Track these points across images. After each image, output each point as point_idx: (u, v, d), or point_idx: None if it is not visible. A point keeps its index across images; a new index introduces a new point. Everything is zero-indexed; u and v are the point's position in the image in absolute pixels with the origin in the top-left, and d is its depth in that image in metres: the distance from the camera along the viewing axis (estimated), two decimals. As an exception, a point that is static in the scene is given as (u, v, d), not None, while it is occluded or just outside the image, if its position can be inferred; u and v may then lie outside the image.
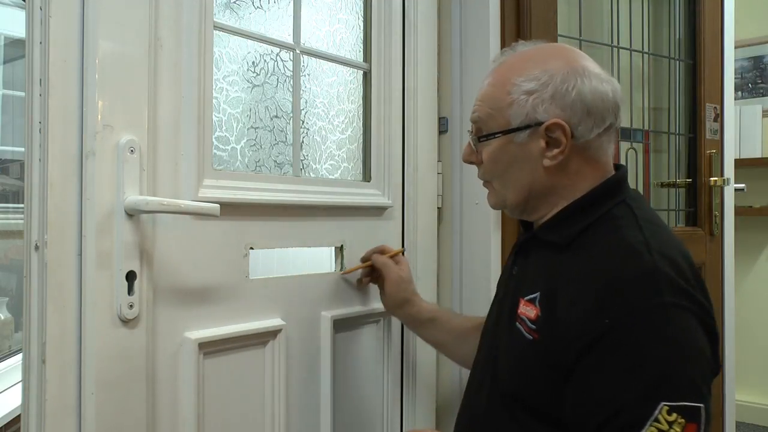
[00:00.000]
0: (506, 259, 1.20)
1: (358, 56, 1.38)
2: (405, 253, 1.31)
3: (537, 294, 0.88)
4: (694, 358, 0.79)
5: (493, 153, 0.95)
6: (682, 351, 0.78)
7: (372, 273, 1.27)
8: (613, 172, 0.96)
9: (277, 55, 1.22)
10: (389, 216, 1.38)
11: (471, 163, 1.01)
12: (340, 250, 1.27)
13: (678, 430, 0.74)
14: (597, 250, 0.86)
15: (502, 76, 0.95)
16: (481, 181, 1.02)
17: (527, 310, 0.89)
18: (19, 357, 1.74)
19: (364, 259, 1.28)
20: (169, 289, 0.96)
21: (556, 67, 0.91)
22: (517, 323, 0.90)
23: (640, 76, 1.84)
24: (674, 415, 0.74)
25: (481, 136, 0.96)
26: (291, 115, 1.23)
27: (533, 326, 0.87)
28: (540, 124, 0.90)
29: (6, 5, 2.21)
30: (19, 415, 1.34)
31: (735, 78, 2.19)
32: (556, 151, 0.91)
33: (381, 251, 1.27)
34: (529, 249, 0.98)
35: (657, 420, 0.74)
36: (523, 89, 0.91)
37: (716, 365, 0.85)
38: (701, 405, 0.76)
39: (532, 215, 0.98)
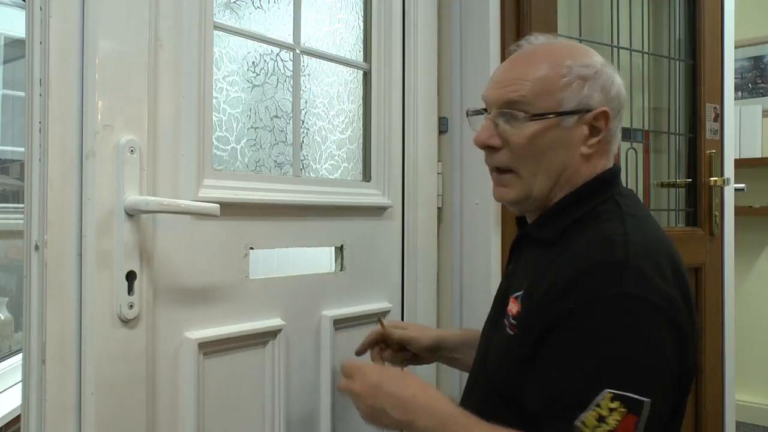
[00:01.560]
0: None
1: (358, 56, 1.38)
2: (382, 319, 1.20)
3: (522, 291, 0.89)
4: (648, 352, 0.78)
5: (533, 135, 0.90)
6: (635, 342, 0.78)
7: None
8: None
9: (277, 55, 1.22)
10: (389, 216, 1.38)
11: (488, 147, 0.93)
12: (340, 250, 1.27)
13: (618, 418, 0.74)
14: (575, 243, 0.86)
15: (548, 58, 0.91)
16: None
17: (512, 307, 0.90)
18: (19, 357, 1.74)
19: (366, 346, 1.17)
20: (169, 289, 0.96)
21: (599, 58, 0.94)
22: (504, 319, 0.91)
23: (640, 76, 1.84)
24: (616, 403, 0.75)
25: (534, 114, 0.89)
26: (291, 115, 1.23)
27: (514, 322, 0.88)
28: (590, 110, 0.90)
29: (6, 5, 2.21)
30: (19, 415, 1.34)
31: (735, 78, 2.18)
32: (595, 140, 0.91)
33: (373, 342, 1.17)
34: (522, 247, 0.99)
35: (599, 405, 0.75)
36: (578, 73, 0.90)
37: (690, 366, 0.84)
38: (647, 400, 0.75)
39: (547, 207, 0.95)
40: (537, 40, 0.97)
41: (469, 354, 1.15)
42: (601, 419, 0.74)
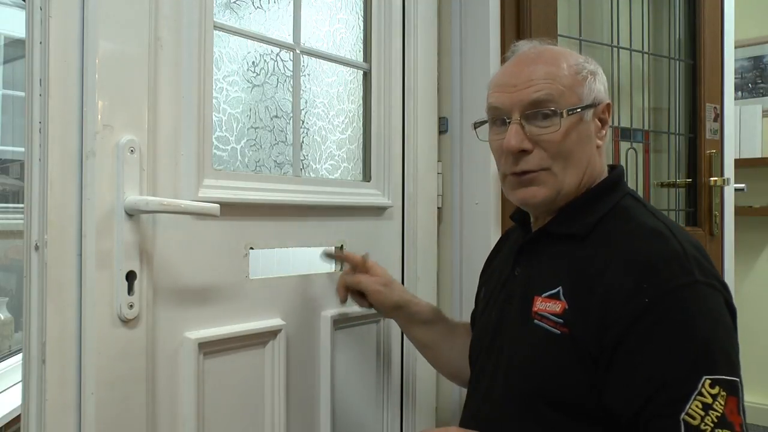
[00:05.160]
0: (491, 263, 1.18)
1: (358, 56, 1.38)
2: (368, 256, 1.21)
3: (559, 288, 0.88)
4: (727, 334, 0.81)
5: (566, 131, 0.91)
6: (716, 327, 0.80)
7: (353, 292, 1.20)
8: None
9: (277, 55, 1.22)
10: (389, 216, 1.38)
11: (523, 150, 0.92)
12: (340, 250, 1.27)
13: (722, 403, 0.76)
14: (620, 237, 0.88)
15: (557, 59, 0.94)
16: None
17: (549, 306, 0.88)
18: (19, 357, 1.74)
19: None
20: (169, 289, 0.96)
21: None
22: (536, 321, 0.89)
23: (640, 76, 1.84)
24: (717, 388, 0.76)
25: (569, 110, 0.91)
26: (291, 115, 1.23)
27: (560, 320, 0.86)
28: (599, 104, 0.95)
29: (6, 5, 2.21)
30: (19, 415, 1.34)
31: (735, 78, 2.18)
32: (603, 131, 0.97)
33: (344, 258, 1.22)
34: (537, 248, 0.97)
35: (701, 393, 0.75)
36: (588, 69, 0.95)
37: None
38: (737, 379, 0.78)
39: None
40: (526, 46, 0.99)
41: (423, 332, 1.19)
42: (706, 407, 0.75)
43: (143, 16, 0.91)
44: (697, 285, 0.80)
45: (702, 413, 0.75)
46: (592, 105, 0.94)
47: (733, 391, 0.77)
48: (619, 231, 0.89)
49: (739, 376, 0.79)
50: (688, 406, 0.75)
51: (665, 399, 0.77)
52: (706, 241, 1.88)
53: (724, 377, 0.76)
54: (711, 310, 0.81)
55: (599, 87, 0.95)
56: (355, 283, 1.17)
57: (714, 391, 0.75)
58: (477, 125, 1.03)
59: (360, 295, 1.19)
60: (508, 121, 0.93)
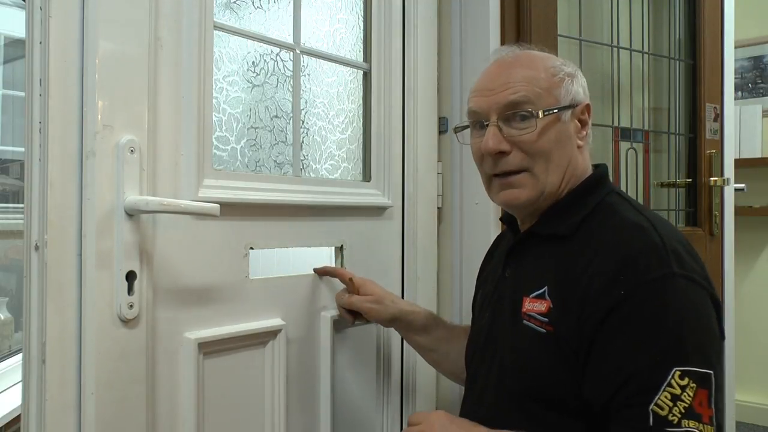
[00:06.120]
0: (486, 267, 1.19)
1: (358, 56, 1.38)
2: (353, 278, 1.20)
3: (544, 288, 0.89)
4: (703, 327, 0.81)
5: (542, 131, 0.92)
6: (691, 319, 0.80)
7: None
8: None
9: (277, 55, 1.22)
10: (389, 216, 1.38)
11: (501, 152, 0.93)
12: (340, 250, 1.27)
13: (690, 394, 0.76)
14: (603, 233, 0.88)
15: (534, 62, 0.96)
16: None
17: (536, 306, 0.89)
18: (19, 357, 1.74)
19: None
20: (169, 289, 0.96)
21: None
22: (525, 321, 0.90)
23: (640, 76, 1.84)
24: (686, 380, 0.76)
25: (545, 111, 0.92)
26: (291, 115, 1.23)
27: (545, 319, 0.87)
28: (578, 105, 0.96)
29: (6, 5, 2.21)
30: (19, 415, 1.34)
31: (735, 78, 2.18)
32: (584, 132, 0.97)
33: (334, 273, 1.22)
34: (525, 250, 0.98)
35: (670, 384, 0.76)
36: (565, 71, 0.96)
37: (722, 334, 0.87)
38: (711, 372, 0.78)
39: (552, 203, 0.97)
40: (505, 51, 1.01)
41: (422, 338, 1.20)
42: (675, 398, 0.76)
43: (143, 16, 0.91)
44: (674, 277, 0.81)
45: (670, 404, 0.75)
46: (570, 106, 0.95)
47: (705, 383, 0.77)
48: (602, 228, 0.90)
49: (713, 368, 0.78)
50: (657, 397, 0.76)
51: (635, 388, 0.78)
52: (706, 241, 1.88)
53: (695, 369, 0.77)
54: (688, 301, 0.81)
55: (577, 89, 0.96)
56: (348, 305, 1.19)
57: (683, 383, 0.76)
58: (458, 129, 1.05)
59: (357, 313, 1.21)
60: (486, 123, 0.95)
